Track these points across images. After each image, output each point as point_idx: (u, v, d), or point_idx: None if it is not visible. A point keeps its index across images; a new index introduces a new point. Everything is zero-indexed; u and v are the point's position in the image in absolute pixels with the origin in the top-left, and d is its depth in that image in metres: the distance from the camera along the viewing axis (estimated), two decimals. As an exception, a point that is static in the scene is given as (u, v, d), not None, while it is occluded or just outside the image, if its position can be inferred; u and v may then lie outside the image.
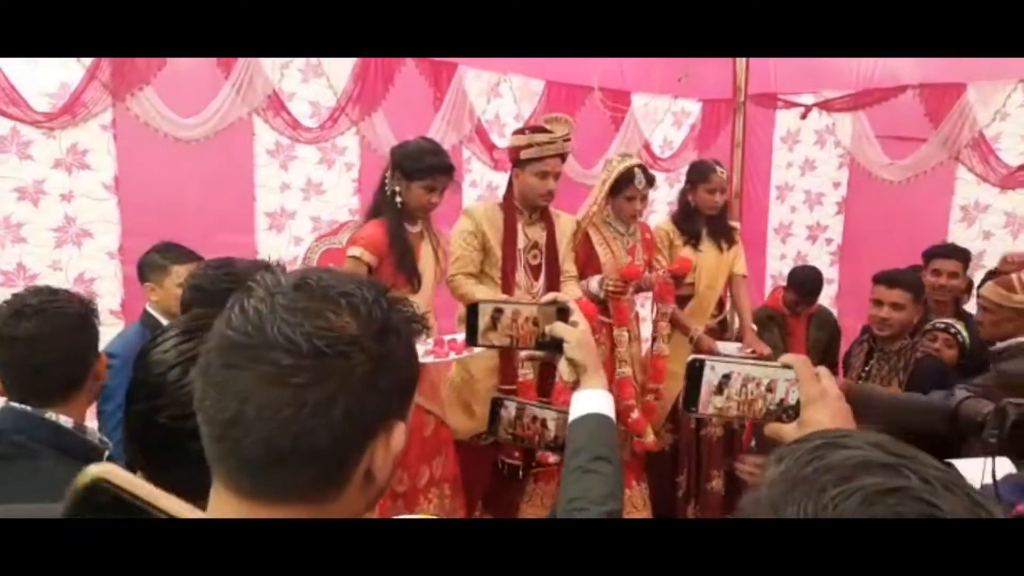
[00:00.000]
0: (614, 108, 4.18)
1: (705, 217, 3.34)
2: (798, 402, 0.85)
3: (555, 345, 1.06)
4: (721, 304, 3.56)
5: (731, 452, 3.46)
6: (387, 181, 2.50)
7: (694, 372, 0.87)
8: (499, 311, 1.09)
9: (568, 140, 2.72)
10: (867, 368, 2.75)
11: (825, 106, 4.26)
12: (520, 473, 2.78)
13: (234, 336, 0.60)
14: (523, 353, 1.14)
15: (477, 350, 2.19)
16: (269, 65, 3.28)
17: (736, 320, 3.67)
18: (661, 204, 4.45)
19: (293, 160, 3.44)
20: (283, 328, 0.58)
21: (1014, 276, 2.52)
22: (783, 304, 3.65)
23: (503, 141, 3.66)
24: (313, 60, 3.40)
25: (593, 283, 2.82)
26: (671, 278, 3.01)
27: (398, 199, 2.47)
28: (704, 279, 3.36)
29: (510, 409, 1.23)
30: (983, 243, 3.92)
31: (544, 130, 2.68)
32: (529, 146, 2.63)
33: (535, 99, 4.01)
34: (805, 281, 3.57)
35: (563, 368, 1.06)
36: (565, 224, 2.88)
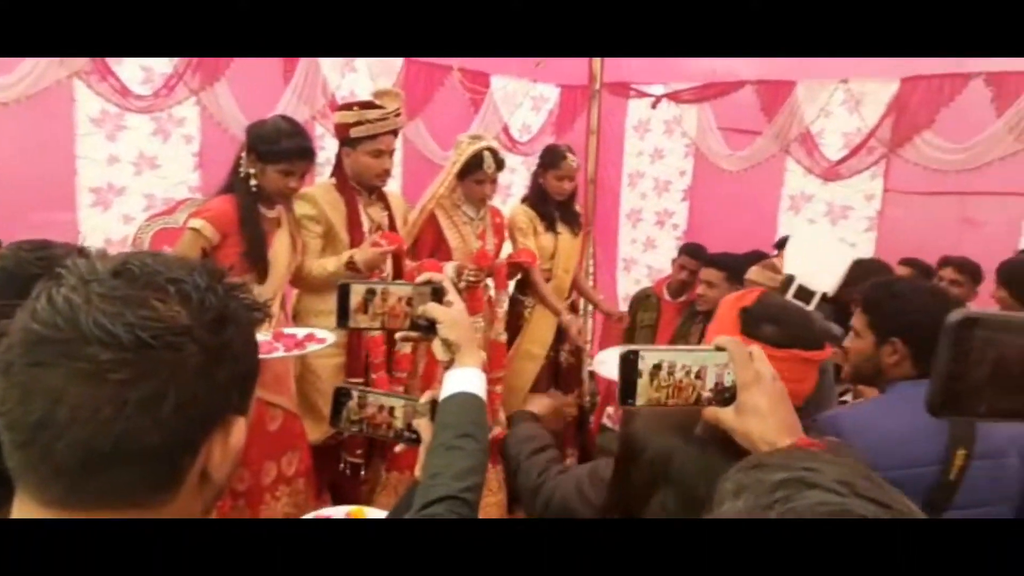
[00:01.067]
0: (473, 90, 4.15)
1: (556, 202, 3.39)
2: (734, 384, 0.86)
3: (429, 326, 1.06)
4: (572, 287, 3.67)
5: (584, 431, 3.59)
6: (241, 162, 2.32)
7: (628, 364, 0.86)
8: (371, 292, 1.07)
9: (400, 115, 2.61)
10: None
11: (673, 97, 4.46)
12: (362, 472, 2.71)
13: (41, 330, 0.54)
14: (398, 335, 1.12)
15: (312, 347, 2.10)
16: (92, 23, 2.95)
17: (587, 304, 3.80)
18: (520, 188, 4.48)
19: (122, 130, 3.13)
20: (100, 319, 0.53)
21: (775, 260, 2.79)
22: (665, 286, 3.86)
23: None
24: (145, 21, 3.10)
25: (448, 270, 2.78)
26: (511, 266, 3.03)
27: (253, 183, 2.30)
28: (561, 263, 3.43)
29: (354, 399, 1.18)
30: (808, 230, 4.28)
31: (375, 106, 2.55)
32: (360, 123, 2.50)
33: (392, 76, 3.89)
34: (698, 251, 3.78)
35: (437, 348, 1.06)
36: (399, 203, 2.82)
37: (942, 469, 1.43)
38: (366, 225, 2.65)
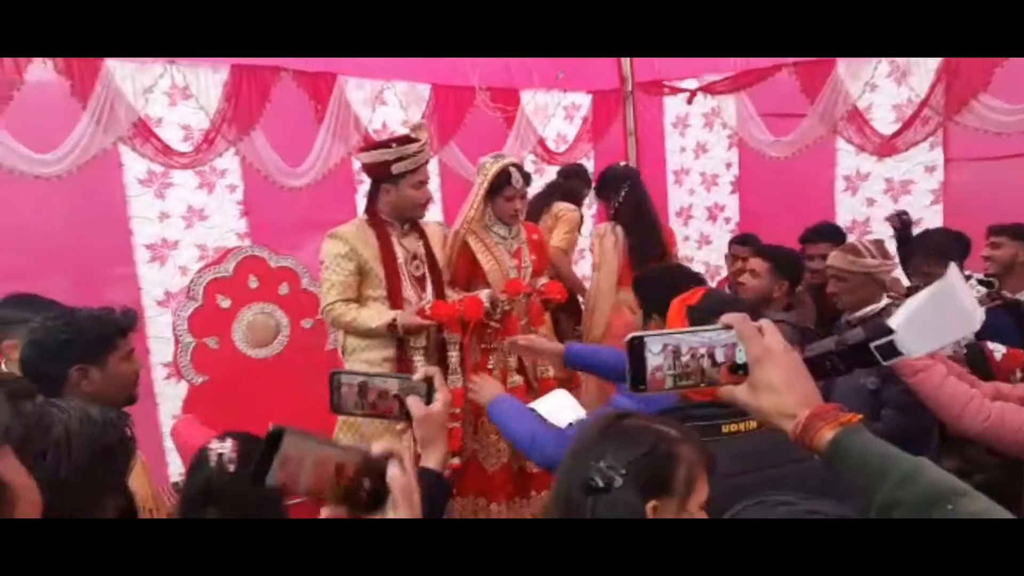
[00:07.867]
0: (503, 108, 4.16)
1: None
2: (746, 362, 0.83)
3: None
4: None
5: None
6: None
7: (634, 350, 0.83)
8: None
9: (429, 145, 2.71)
10: None
11: (708, 89, 4.35)
12: None
13: None
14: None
15: None
16: (131, 91, 3.12)
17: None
18: (560, 198, 4.47)
19: (169, 187, 3.30)
20: None
21: (858, 241, 2.57)
22: (727, 285, 3.72)
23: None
24: (180, 82, 3.26)
25: (483, 298, 2.74)
26: (543, 302, 2.94)
27: None
28: None
29: (354, 383, 1.13)
30: (867, 209, 4.08)
31: (411, 139, 2.60)
32: (401, 158, 2.54)
33: (423, 103, 3.96)
34: (748, 239, 3.67)
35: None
36: (434, 231, 2.83)
37: None
38: (401, 257, 2.66)
